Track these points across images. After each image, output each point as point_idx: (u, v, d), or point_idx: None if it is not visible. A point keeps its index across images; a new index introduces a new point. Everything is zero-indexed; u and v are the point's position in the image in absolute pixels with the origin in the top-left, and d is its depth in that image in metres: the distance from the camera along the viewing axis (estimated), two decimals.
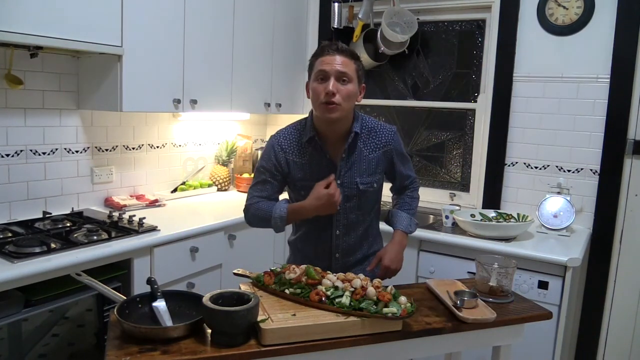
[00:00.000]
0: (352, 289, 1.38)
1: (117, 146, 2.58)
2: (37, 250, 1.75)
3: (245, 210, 1.81)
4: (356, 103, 1.70)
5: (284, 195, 1.85)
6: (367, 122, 1.78)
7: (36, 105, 2.21)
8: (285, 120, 2.58)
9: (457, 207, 2.64)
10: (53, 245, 1.80)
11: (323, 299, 1.36)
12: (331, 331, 1.29)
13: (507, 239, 2.30)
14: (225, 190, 3.12)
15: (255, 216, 1.78)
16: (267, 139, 2.14)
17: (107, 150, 2.53)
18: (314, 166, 1.73)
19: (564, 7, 2.54)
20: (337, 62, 1.62)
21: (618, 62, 2.43)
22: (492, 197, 2.80)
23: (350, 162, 1.73)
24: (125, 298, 1.40)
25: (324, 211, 1.66)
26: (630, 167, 2.47)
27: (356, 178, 1.73)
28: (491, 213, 2.55)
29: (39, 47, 2.02)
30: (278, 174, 1.76)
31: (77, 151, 2.39)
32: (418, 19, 2.95)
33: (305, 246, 1.85)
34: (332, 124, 1.68)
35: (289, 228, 1.86)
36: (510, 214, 2.50)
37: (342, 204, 1.72)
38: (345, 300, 1.35)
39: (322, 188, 1.63)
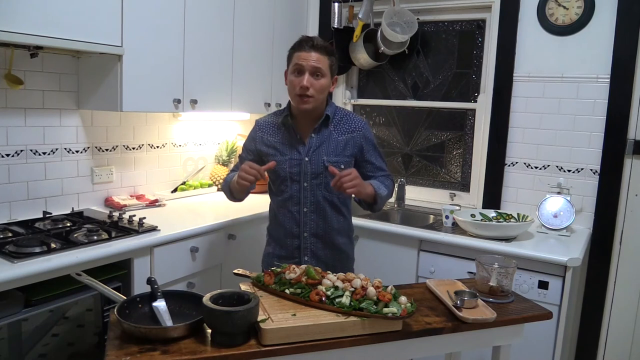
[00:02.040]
0: (352, 289, 1.38)
1: (117, 146, 2.58)
2: (37, 250, 1.75)
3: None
4: (330, 91, 1.89)
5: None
6: (340, 110, 1.94)
7: (36, 105, 2.21)
8: None
9: (457, 207, 2.64)
10: (53, 245, 1.80)
11: (323, 299, 1.36)
12: (331, 331, 1.29)
13: (507, 239, 2.30)
14: None
15: (224, 182, 2.00)
16: None
17: (107, 150, 2.53)
18: (285, 143, 1.90)
19: (564, 7, 2.54)
20: (313, 58, 1.77)
21: (618, 62, 2.43)
22: (492, 197, 2.80)
23: (319, 141, 1.88)
24: (125, 298, 1.40)
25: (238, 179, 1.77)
26: (630, 167, 2.47)
27: (323, 156, 1.87)
28: (491, 213, 2.55)
29: (39, 47, 2.02)
30: (251, 153, 1.97)
31: (77, 151, 2.39)
32: (418, 19, 2.95)
33: (277, 227, 1.97)
34: (306, 111, 1.87)
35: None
36: (510, 214, 2.50)
37: (309, 181, 1.87)
38: (345, 300, 1.35)
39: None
